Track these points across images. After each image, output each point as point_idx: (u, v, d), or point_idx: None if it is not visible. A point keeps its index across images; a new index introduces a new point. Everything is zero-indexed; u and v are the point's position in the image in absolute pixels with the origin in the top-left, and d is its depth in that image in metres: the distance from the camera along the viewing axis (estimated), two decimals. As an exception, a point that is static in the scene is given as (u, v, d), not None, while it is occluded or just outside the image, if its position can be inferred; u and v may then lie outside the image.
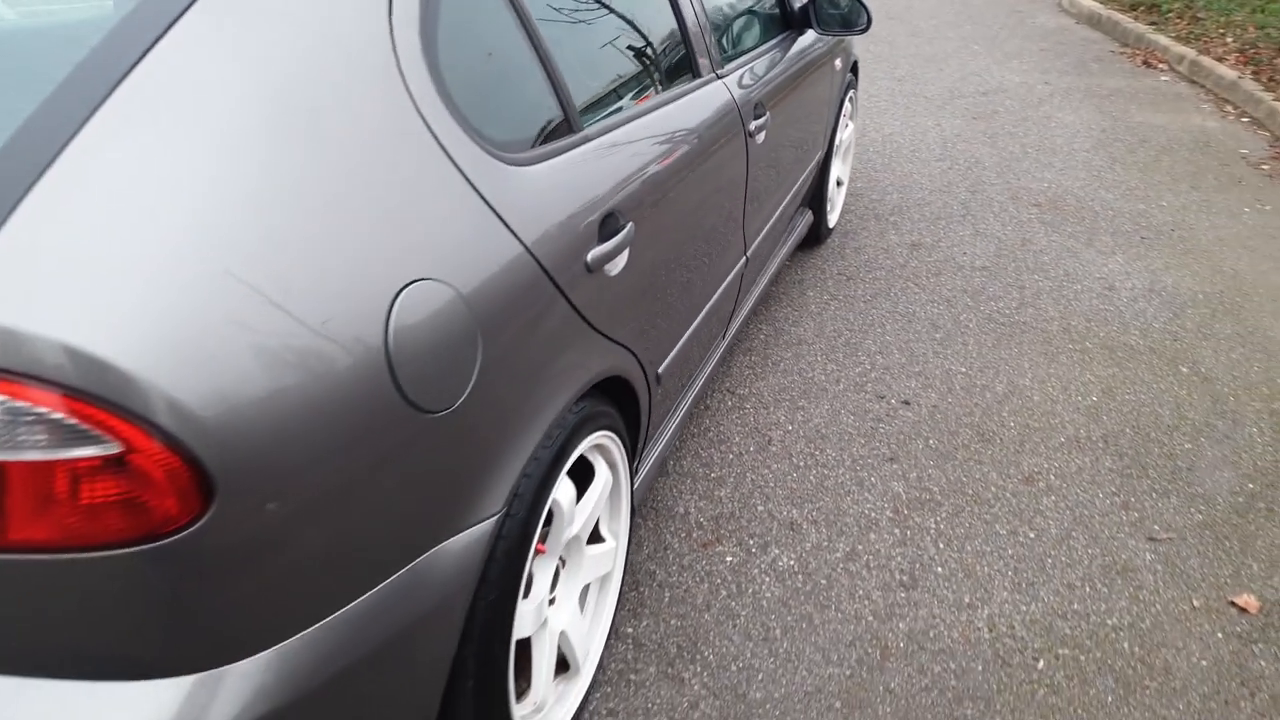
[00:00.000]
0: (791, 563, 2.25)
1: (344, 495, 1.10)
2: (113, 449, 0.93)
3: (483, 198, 1.34)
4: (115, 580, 0.97)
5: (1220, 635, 2.10)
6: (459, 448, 1.28)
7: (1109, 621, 2.12)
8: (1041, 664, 2.01)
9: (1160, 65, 7.03)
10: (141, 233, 0.97)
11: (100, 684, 1.02)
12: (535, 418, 1.44)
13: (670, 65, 2.12)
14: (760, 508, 2.43)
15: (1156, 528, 2.41)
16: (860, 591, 2.18)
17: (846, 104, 3.83)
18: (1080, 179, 4.79)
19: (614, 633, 2.03)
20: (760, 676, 1.95)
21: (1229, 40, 7.00)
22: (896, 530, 2.37)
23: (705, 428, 2.76)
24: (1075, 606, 2.16)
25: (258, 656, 1.07)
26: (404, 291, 1.17)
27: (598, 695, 1.89)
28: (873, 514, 2.43)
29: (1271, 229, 4.29)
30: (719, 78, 2.31)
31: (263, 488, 1.01)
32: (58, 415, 0.91)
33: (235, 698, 1.05)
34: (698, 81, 2.19)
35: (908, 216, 4.29)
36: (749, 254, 2.59)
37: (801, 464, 2.61)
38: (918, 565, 2.26)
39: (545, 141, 1.55)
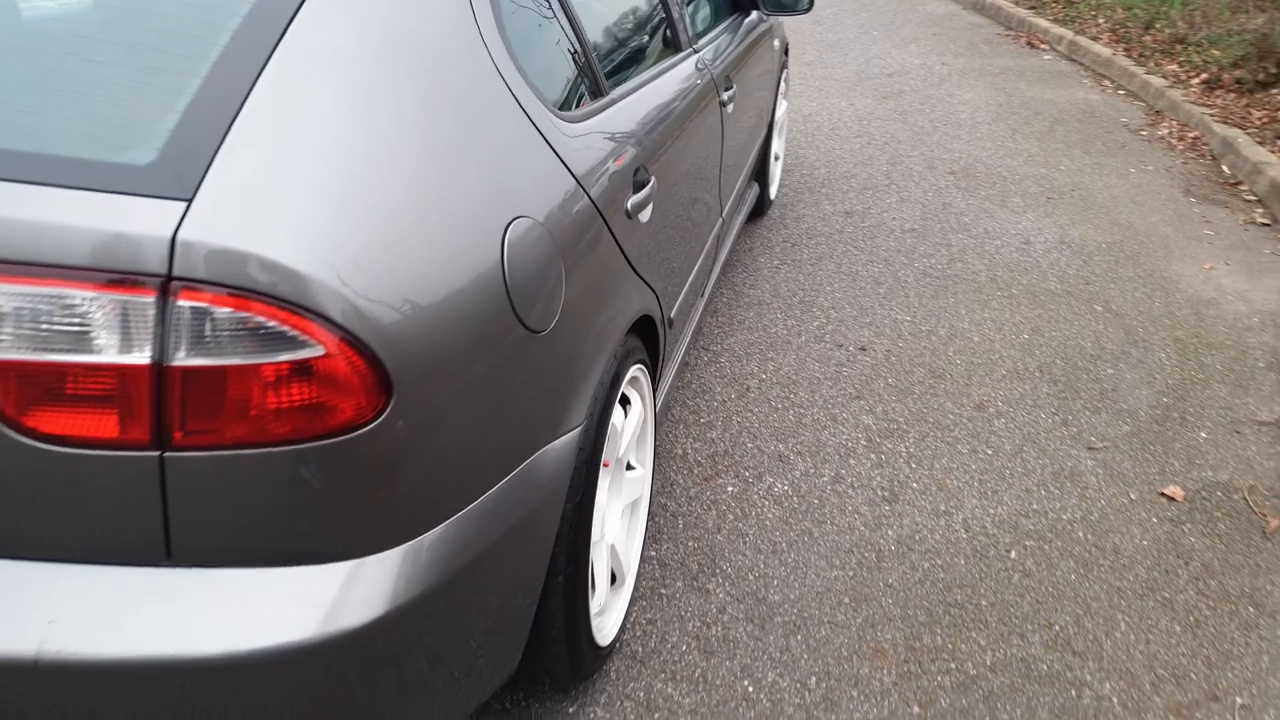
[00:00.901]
0: (786, 488, 2.50)
1: (476, 400, 1.30)
2: (316, 351, 1.10)
3: (553, 149, 1.55)
4: (304, 471, 1.14)
5: (1155, 520, 2.44)
6: (555, 365, 1.48)
7: (1064, 516, 2.43)
8: (1013, 554, 2.30)
9: (1043, 46, 7.57)
10: (321, 168, 1.15)
11: (270, 570, 1.17)
12: (603, 345, 1.65)
13: (661, 40, 2.35)
14: (750, 445, 2.68)
15: (1093, 439, 2.75)
16: (849, 508, 2.44)
17: (782, 83, 4.11)
18: (986, 149, 5.19)
19: (640, 555, 2.24)
20: (775, 582, 2.19)
21: (1101, 21, 7.58)
22: (872, 455, 2.65)
23: (688, 381, 3.00)
24: (1034, 507, 2.47)
25: (408, 544, 1.24)
26: (511, 224, 1.37)
27: (635, 608, 2.11)
28: (849, 443, 2.70)
29: (1155, 186, 4.75)
30: (695, 52, 2.54)
31: (422, 391, 1.20)
32: (272, 323, 1.08)
33: (387, 582, 1.22)
34: (680, 55, 2.42)
35: (837, 188, 4.61)
36: (724, 215, 2.84)
37: (779, 406, 2.86)
38: (895, 483, 2.54)
39: (585, 103, 1.76)
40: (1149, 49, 6.76)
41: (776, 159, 4.33)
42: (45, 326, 1.06)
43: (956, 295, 3.58)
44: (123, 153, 1.10)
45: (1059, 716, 1.88)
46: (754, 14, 3.40)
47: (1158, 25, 7.04)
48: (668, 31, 2.40)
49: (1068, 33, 7.43)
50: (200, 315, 1.06)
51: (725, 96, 2.65)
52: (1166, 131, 5.54)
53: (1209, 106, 5.62)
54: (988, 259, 3.89)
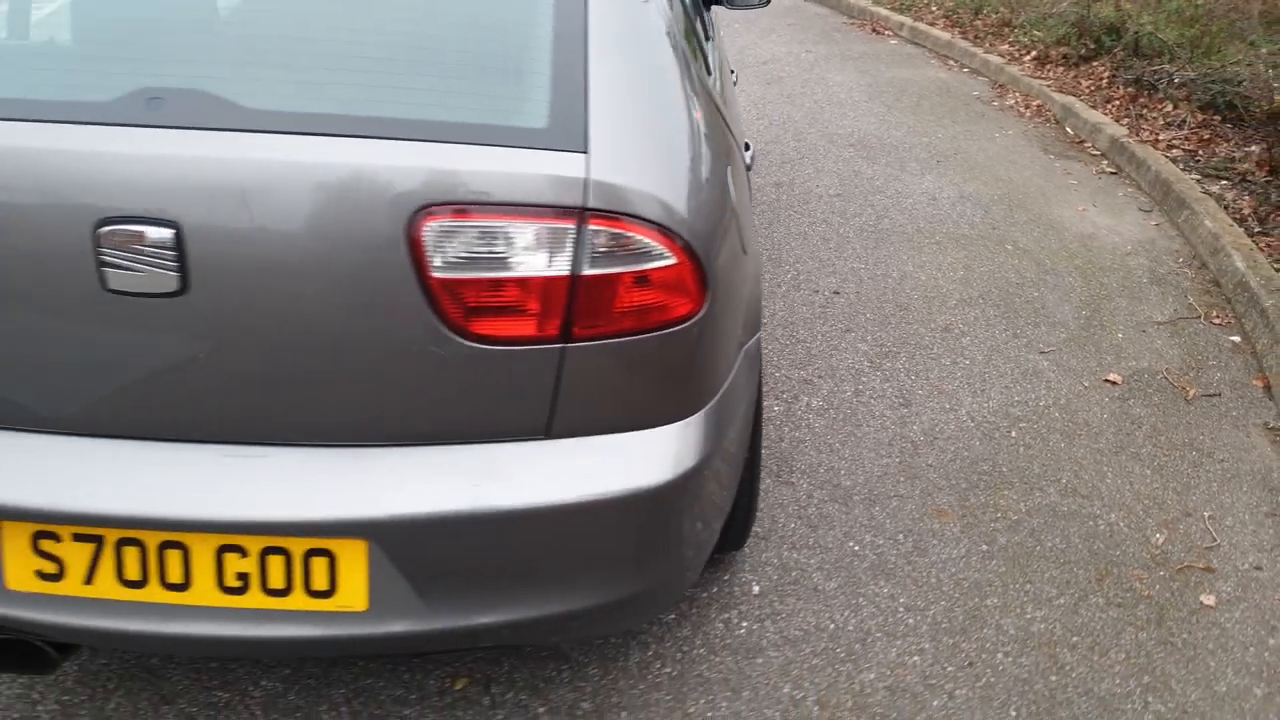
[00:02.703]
0: (820, 404, 2.99)
1: (732, 301, 1.70)
2: (671, 261, 1.48)
3: (718, 108, 1.96)
4: (657, 354, 1.52)
5: (1107, 399, 3.07)
6: (755, 276, 1.89)
7: (1040, 403, 3.03)
8: (1013, 434, 2.87)
9: (886, 32, 8.40)
10: (650, 123, 1.54)
11: (623, 434, 1.56)
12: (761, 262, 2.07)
13: (705, 34, 2.77)
14: (777, 374, 3.15)
15: (1041, 345, 3.38)
16: (876, 412, 2.95)
17: (718, 70, 4.60)
18: (871, 123, 5.86)
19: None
20: (842, 472, 2.67)
21: (935, 9, 8.49)
22: (878, 373, 3.17)
23: (704, 328, 3.44)
24: (1016, 398, 3.05)
25: (702, 411, 1.64)
26: (733, 168, 1.78)
27: (741, 503, 2.53)
28: (856, 365, 3.21)
29: (1018, 148, 5.53)
30: (709, 39, 2.98)
31: (718, 292, 1.59)
32: (647, 240, 1.45)
33: (706, 434, 1.62)
34: (711, 38, 2.86)
35: (760, 165, 5.14)
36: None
37: (788, 342, 3.35)
38: (904, 391, 3.07)
39: (708, 73, 2.16)
40: (982, 32, 7.67)
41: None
42: (491, 251, 1.40)
43: (894, 245, 4.17)
44: (524, 119, 1.45)
45: (1087, 539, 2.45)
46: (715, 8, 3.85)
47: (985, 11, 7.98)
48: (702, 28, 2.83)
49: (907, 19, 8.29)
50: (601, 236, 1.42)
51: (734, 76, 3.10)
52: (1013, 102, 6.39)
53: (1044, 79, 6.51)
54: (907, 214, 4.51)
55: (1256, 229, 4.12)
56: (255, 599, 1.49)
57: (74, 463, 1.46)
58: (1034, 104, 6.27)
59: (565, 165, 1.41)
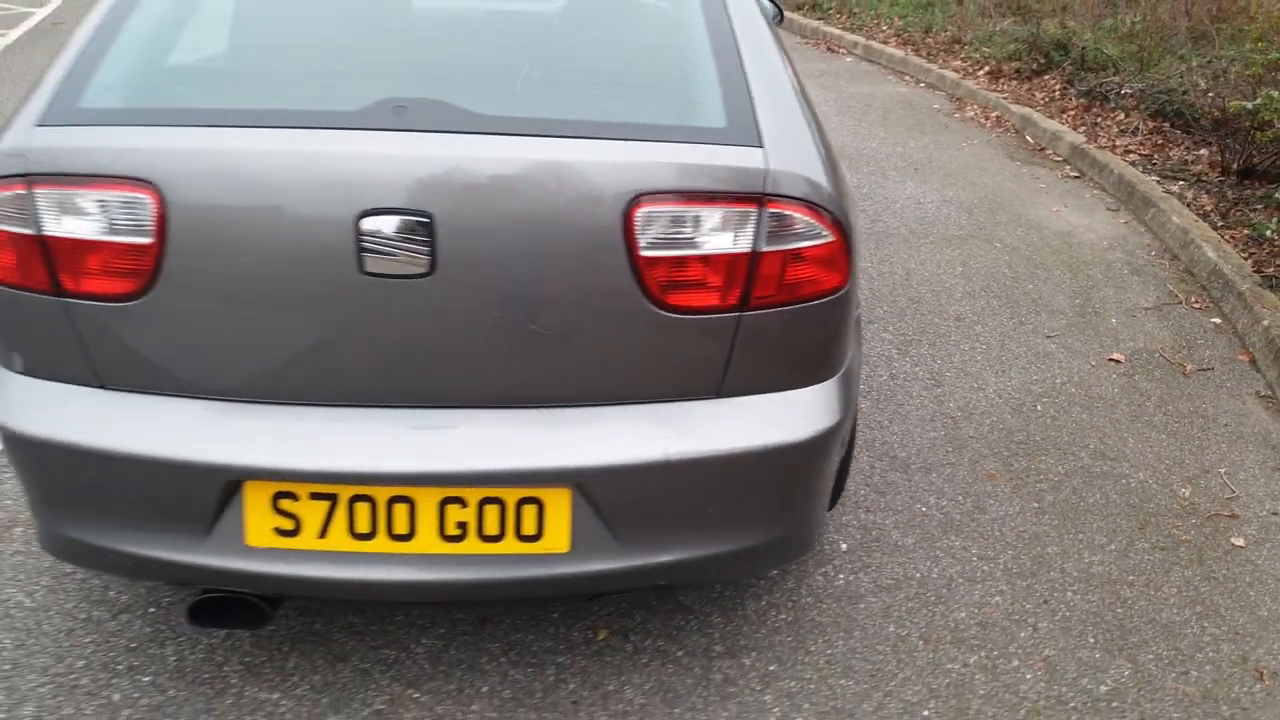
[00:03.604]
0: (862, 386, 3.23)
1: (856, 273, 1.92)
2: (829, 239, 1.70)
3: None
4: (816, 320, 1.74)
5: (1115, 376, 3.38)
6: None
7: (1057, 381, 3.33)
8: (1039, 407, 3.16)
9: (841, 50, 8.80)
10: (798, 119, 1.75)
11: (782, 393, 1.77)
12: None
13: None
14: (816, 361, 3.38)
15: (1046, 331, 3.68)
16: (914, 393, 3.21)
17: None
18: (845, 136, 6.18)
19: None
20: (896, 445, 2.91)
21: (885, 28, 8.92)
22: (907, 359, 3.43)
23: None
24: (1034, 377, 3.34)
25: (840, 372, 1.86)
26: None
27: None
28: (885, 352, 3.47)
29: (985, 156, 5.90)
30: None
31: (854, 268, 1.81)
32: (811, 220, 1.67)
33: (842, 395, 1.84)
34: None
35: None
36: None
37: (818, 333, 3.59)
38: (934, 373, 3.33)
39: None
40: (933, 49, 8.10)
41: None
42: (687, 233, 1.60)
43: (893, 245, 4.46)
44: (707, 120, 1.66)
45: (1123, 494, 2.73)
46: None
47: (934, 30, 8.42)
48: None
49: (860, 38, 8.69)
50: (776, 218, 1.64)
51: None
52: (973, 113, 6.79)
53: (1000, 92, 6.93)
54: (898, 217, 4.81)
55: (1220, 223, 4.52)
56: (472, 545, 1.66)
57: (313, 429, 1.62)
58: (993, 115, 6.67)
59: (747, 158, 1.62)
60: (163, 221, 1.52)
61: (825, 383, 1.82)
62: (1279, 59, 5.25)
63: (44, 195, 1.53)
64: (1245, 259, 4.10)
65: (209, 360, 1.61)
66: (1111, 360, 3.48)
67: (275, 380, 1.63)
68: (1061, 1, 8.14)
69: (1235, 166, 5.02)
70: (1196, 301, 3.99)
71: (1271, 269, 4.00)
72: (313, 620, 2.09)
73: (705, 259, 1.62)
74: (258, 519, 1.62)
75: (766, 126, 1.68)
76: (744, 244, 1.63)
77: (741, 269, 1.64)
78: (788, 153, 1.67)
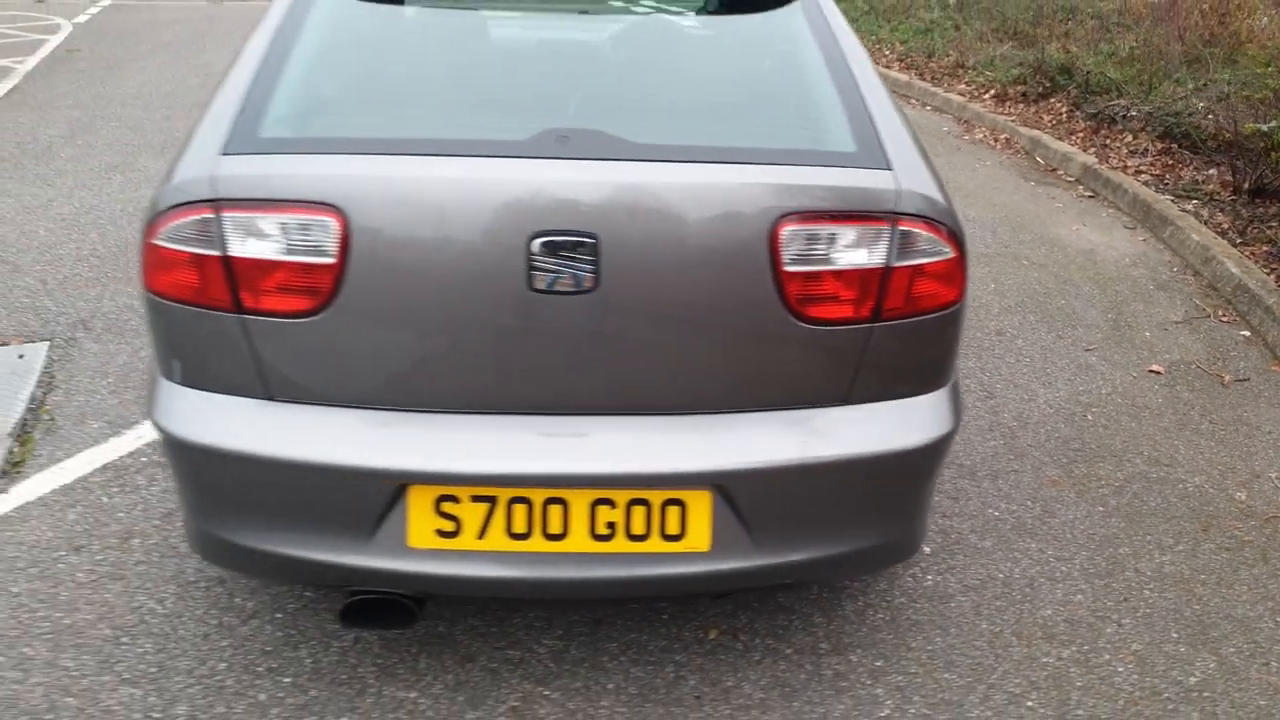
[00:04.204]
0: (917, 398, 3.34)
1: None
2: (950, 254, 1.81)
3: None
4: (942, 330, 1.84)
5: (1156, 386, 3.51)
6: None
7: (1103, 391, 3.45)
8: (1089, 417, 3.27)
9: (845, 74, 8.98)
10: (908, 139, 1.86)
11: (903, 400, 1.88)
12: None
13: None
14: (870, 374, 3.49)
15: (1085, 344, 3.81)
16: (969, 404, 3.32)
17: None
18: (863, 157, 6.32)
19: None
20: (960, 454, 3.02)
21: (887, 53, 9.12)
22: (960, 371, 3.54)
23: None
24: (1081, 388, 3.47)
25: (951, 381, 1.97)
26: None
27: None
28: (935, 366, 3.58)
29: (999, 177, 6.07)
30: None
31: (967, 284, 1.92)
32: (935, 237, 1.78)
33: (953, 403, 1.95)
34: None
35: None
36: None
37: (868, 348, 3.70)
38: (985, 385, 3.45)
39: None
40: (938, 74, 8.30)
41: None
42: (826, 250, 1.71)
43: (926, 263, 4.58)
44: (839, 145, 1.77)
45: (1183, 498, 2.85)
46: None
47: (937, 54, 8.63)
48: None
49: (864, 63, 8.88)
50: (905, 235, 1.75)
51: None
52: (982, 136, 6.97)
53: (1007, 114, 7.12)
54: (927, 236, 4.94)
55: (1238, 240, 4.68)
56: (620, 544, 1.75)
57: (469, 436, 1.71)
58: (1001, 137, 6.85)
59: (879, 179, 1.74)
60: (345, 243, 1.61)
61: (939, 390, 1.92)
62: (1285, 83, 5.46)
63: (231, 219, 1.61)
64: (1268, 274, 4.26)
65: (375, 373, 1.69)
66: (1151, 371, 3.61)
67: (434, 390, 1.71)
68: (1061, 28, 8.37)
69: (1247, 186, 5.20)
70: (1224, 315, 4.14)
71: (1294, 283, 4.16)
72: (436, 623, 2.16)
73: (842, 274, 1.73)
74: (420, 521, 1.70)
75: (891, 150, 1.79)
76: (878, 259, 1.74)
77: (874, 283, 1.74)
78: (913, 174, 1.78)
